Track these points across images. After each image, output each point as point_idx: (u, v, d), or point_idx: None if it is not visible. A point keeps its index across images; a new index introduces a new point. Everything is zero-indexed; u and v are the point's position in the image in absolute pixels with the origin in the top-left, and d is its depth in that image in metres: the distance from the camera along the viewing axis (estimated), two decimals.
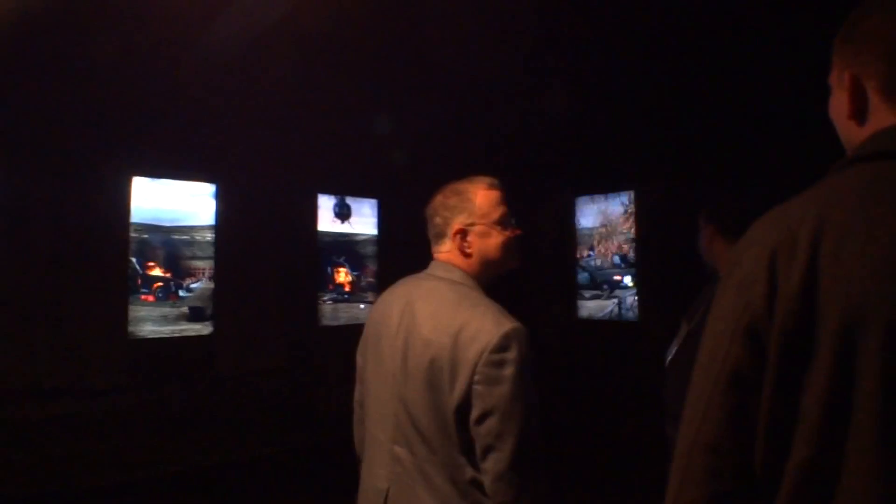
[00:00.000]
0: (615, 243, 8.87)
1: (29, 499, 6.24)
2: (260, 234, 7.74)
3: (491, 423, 1.81)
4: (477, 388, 1.82)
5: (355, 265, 8.86)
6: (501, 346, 1.82)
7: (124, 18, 5.82)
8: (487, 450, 1.82)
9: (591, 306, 9.03)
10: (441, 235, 2.17)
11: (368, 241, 9.00)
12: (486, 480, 1.83)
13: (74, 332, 6.72)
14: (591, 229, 9.15)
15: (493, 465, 1.82)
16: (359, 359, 2.32)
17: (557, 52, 7.22)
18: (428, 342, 1.94)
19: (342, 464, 6.84)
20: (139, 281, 7.16)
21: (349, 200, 8.76)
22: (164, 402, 7.17)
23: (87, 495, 6.41)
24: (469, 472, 1.87)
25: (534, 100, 8.16)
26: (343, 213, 8.66)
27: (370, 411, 2.16)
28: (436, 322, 1.95)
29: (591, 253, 9.11)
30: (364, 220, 8.93)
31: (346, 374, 7.83)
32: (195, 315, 7.48)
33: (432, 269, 2.17)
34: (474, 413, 1.83)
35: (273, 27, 6.05)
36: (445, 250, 2.16)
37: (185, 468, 7.04)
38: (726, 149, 7.48)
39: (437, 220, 2.18)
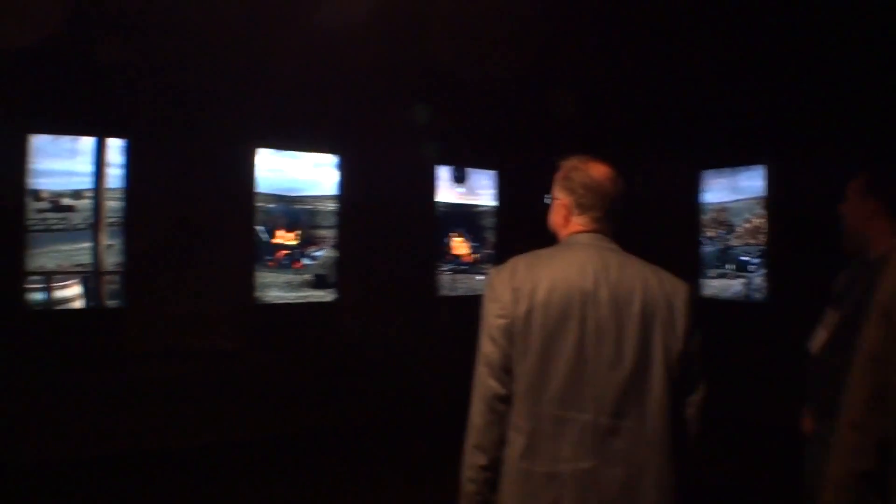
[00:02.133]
0: (743, 220, 8.55)
1: (159, 453, 6.64)
2: (381, 203, 7.89)
3: (697, 360, 2.19)
4: (691, 335, 2.18)
5: (474, 236, 8.93)
6: (691, 297, 2.23)
7: None
8: (696, 385, 2.20)
9: (717, 286, 8.74)
10: (610, 210, 2.33)
11: (487, 212, 9.04)
12: (692, 411, 2.19)
13: (204, 297, 7.07)
14: (717, 205, 8.84)
15: (699, 395, 2.21)
16: (505, 347, 2.15)
17: (681, 13, 6.96)
18: (645, 303, 2.15)
19: (450, 436, 6.97)
20: (265, 249, 7.45)
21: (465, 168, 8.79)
22: (287, 365, 7.45)
23: (212, 452, 6.76)
24: (672, 413, 2.12)
25: (654, 66, 7.89)
26: (459, 177, 8.70)
27: (556, 393, 2.10)
28: (647, 289, 2.17)
29: (718, 230, 8.83)
30: (483, 191, 8.97)
31: (463, 343, 7.92)
32: (318, 282, 7.75)
33: (598, 240, 2.30)
34: (691, 356, 2.17)
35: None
36: (603, 224, 2.33)
37: (304, 429, 7.32)
38: (870, 116, 6.94)
39: (617, 197, 2.34)
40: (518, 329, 2.13)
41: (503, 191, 8.95)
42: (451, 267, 8.76)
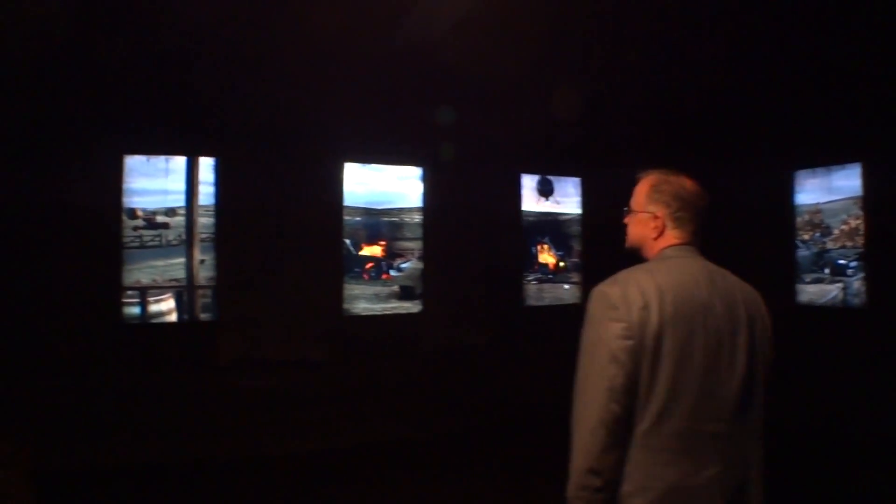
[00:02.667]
0: (839, 221, 8.20)
1: (249, 461, 6.73)
2: (466, 214, 7.88)
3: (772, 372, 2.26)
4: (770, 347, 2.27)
5: (560, 245, 8.83)
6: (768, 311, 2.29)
7: (329, 12, 6.06)
8: (770, 392, 2.24)
9: (812, 291, 8.39)
10: (701, 224, 2.35)
11: (573, 220, 8.92)
12: (764, 415, 2.22)
13: (294, 309, 7.17)
14: (811, 206, 8.49)
15: (772, 398, 2.26)
16: (631, 369, 2.09)
17: (767, 7, 6.74)
18: (747, 312, 2.23)
19: (535, 445, 6.85)
20: (353, 261, 7.51)
21: (551, 179, 8.71)
22: (374, 376, 7.48)
23: (302, 459, 6.81)
24: (760, 419, 2.20)
25: (742, 64, 7.65)
26: (545, 190, 8.63)
27: (688, 406, 2.10)
28: (744, 297, 2.25)
29: (812, 233, 8.49)
30: (568, 200, 8.86)
31: (548, 354, 7.83)
32: (405, 294, 7.77)
33: (694, 253, 2.33)
34: (771, 365, 2.26)
35: (473, 11, 6.09)
36: (697, 237, 2.35)
37: (391, 439, 7.31)
38: None
39: (706, 210, 2.36)
40: (648, 348, 2.08)
41: (588, 199, 8.83)
42: (537, 276, 8.68)
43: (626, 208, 2.44)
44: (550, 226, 8.77)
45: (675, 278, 2.19)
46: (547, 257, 8.74)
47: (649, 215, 2.35)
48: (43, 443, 5.99)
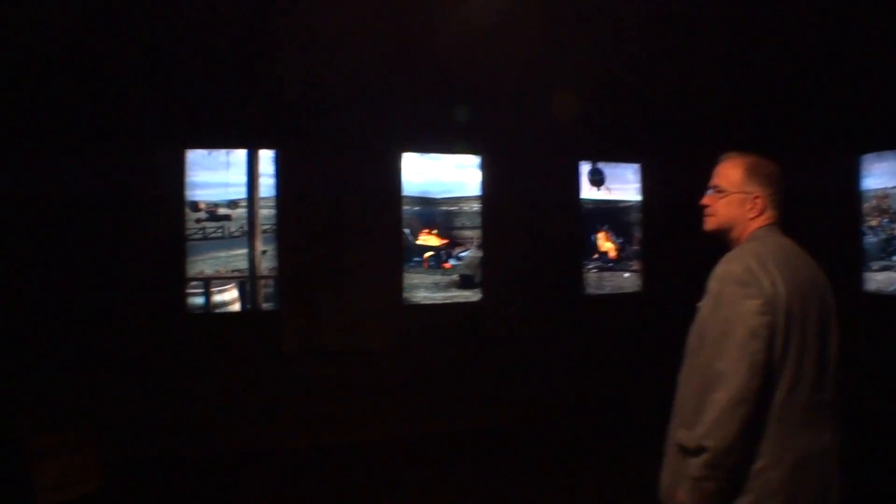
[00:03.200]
0: None
1: (310, 450, 6.81)
2: (524, 202, 7.82)
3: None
4: None
5: (619, 232, 8.72)
6: None
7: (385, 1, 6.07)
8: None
9: (881, 279, 8.10)
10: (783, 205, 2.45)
11: (632, 207, 8.80)
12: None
13: (354, 299, 7.21)
14: (880, 191, 8.20)
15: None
16: (770, 344, 2.14)
17: None
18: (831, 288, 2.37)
19: (597, 436, 6.78)
20: (412, 251, 7.52)
21: (607, 166, 8.59)
22: (434, 365, 7.49)
23: (364, 448, 6.86)
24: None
25: (804, 43, 7.42)
26: (596, 180, 8.53)
27: (810, 379, 2.21)
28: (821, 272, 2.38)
29: (881, 219, 8.21)
30: (627, 187, 8.74)
31: (610, 344, 7.74)
32: (464, 282, 7.76)
33: (781, 232, 2.42)
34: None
35: None
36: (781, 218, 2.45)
37: (451, 429, 7.32)
38: None
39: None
40: (780, 322, 2.16)
41: (648, 185, 8.69)
42: (597, 265, 8.58)
43: (712, 189, 2.45)
44: (609, 213, 8.66)
45: (782, 255, 2.28)
46: (606, 245, 8.64)
47: (747, 195, 2.39)
48: (110, 431, 6.13)
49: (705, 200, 2.49)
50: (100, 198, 6.68)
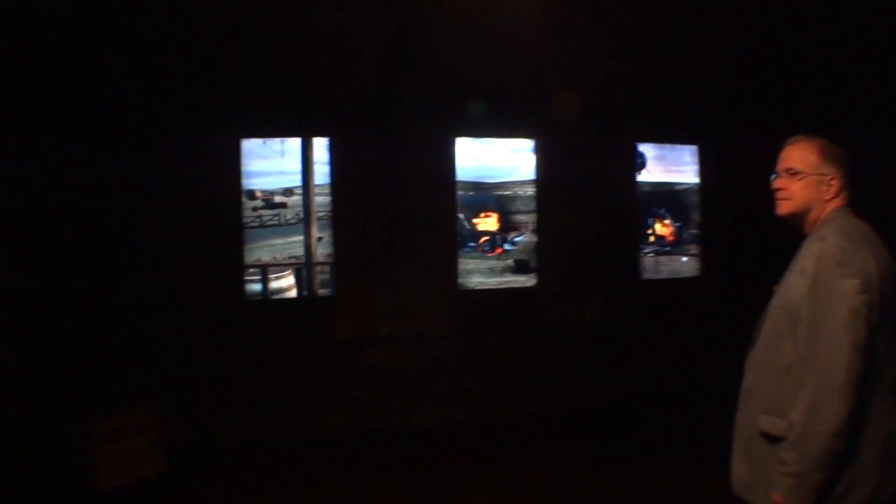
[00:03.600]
0: None
1: (365, 435, 6.88)
2: (579, 186, 7.72)
3: None
4: None
5: (677, 216, 8.55)
6: None
7: None
8: None
9: None
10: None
11: (690, 190, 8.62)
12: None
13: (409, 284, 7.21)
14: None
15: None
16: (869, 324, 2.11)
17: None
18: None
19: (649, 423, 6.67)
20: (467, 236, 7.50)
21: (663, 148, 8.43)
22: (489, 350, 7.45)
23: (421, 433, 6.88)
24: None
25: (868, 26, 7.18)
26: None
27: (893, 354, 2.18)
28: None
29: None
30: (684, 168, 8.56)
31: (666, 329, 7.61)
32: (520, 267, 7.70)
33: (853, 213, 2.37)
34: None
35: None
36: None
37: (502, 414, 7.29)
38: None
39: None
40: (875, 301, 2.12)
41: (706, 167, 8.50)
42: (654, 249, 8.44)
43: (784, 172, 2.40)
44: (667, 196, 8.50)
45: (865, 236, 2.25)
46: (663, 229, 8.49)
47: (823, 177, 2.35)
48: (171, 414, 6.27)
49: (778, 184, 2.42)
50: (162, 188, 6.85)
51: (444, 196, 7.38)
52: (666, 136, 8.34)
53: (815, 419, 2.02)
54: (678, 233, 8.54)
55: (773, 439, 2.17)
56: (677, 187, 8.54)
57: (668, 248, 8.52)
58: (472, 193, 7.63)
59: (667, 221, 8.48)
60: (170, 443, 6.07)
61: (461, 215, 7.55)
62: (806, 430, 2.04)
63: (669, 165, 8.47)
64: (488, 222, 7.66)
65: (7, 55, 5.86)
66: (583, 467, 5.89)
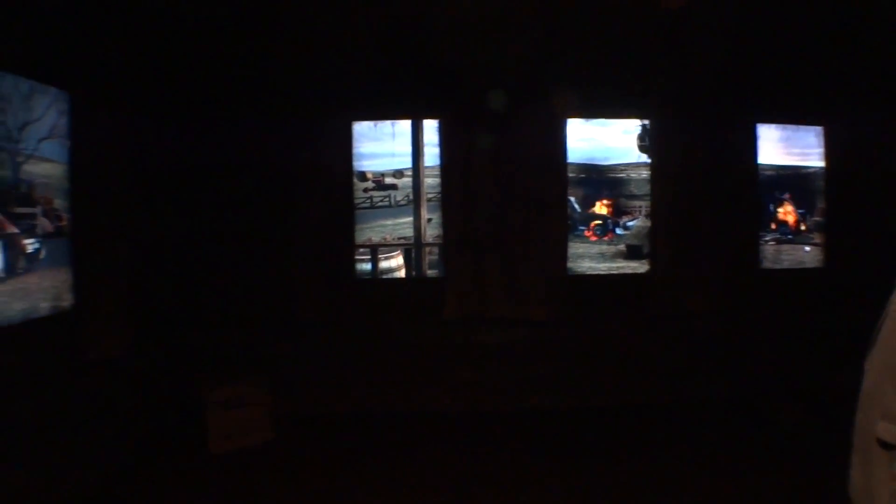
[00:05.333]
0: None
1: (469, 415, 6.87)
2: (696, 168, 7.40)
3: None
4: None
5: (801, 202, 8.17)
6: None
7: None
8: None
9: None
10: None
11: (815, 174, 8.20)
12: None
13: (518, 267, 7.13)
14: None
15: None
16: None
17: None
18: None
19: (765, 419, 6.37)
20: (577, 219, 7.36)
21: (787, 128, 8.03)
22: (597, 337, 7.31)
23: (527, 417, 6.83)
24: None
25: None
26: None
27: None
28: None
29: None
30: (809, 151, 8.16)
31: (786, 323, 7.27)
32: (632, 253, 7.53)
33: None
34: None
35: None
36: None
37: (608, 402, 7.13)
38: None
39: None
40: None
41: (832, 150, 8.05)
42: (775, 237, 8.09)
43: None
44: (790, 180, 8.13)
45: None
46: (786, 215, 8.12)
47: None
48: (281, 386, 6.61)
49: None
50: (278, 169, 7.03)
51: (554, 178, 7.23)
52: (789, 116, 7.92)
53: None
54: (801, 220, 8.15)
55: (889, 447, 1.99)
56: (801, 171, 8.13)
57: (790, 236, 8.17)
58: (583, 176, 7.47)
59: (790, 207, 8.09)
60: (279, 412, 6.40)
61: (572, 198, 7.41)
62: None
63: (793, 148, 8.05)
64: (600, 206, 7.50)
65: (146, 44, 6.10)
66: (689, 465, 5.68)
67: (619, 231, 7.22)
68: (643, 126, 7.85)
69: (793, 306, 7.53)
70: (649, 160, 7.48)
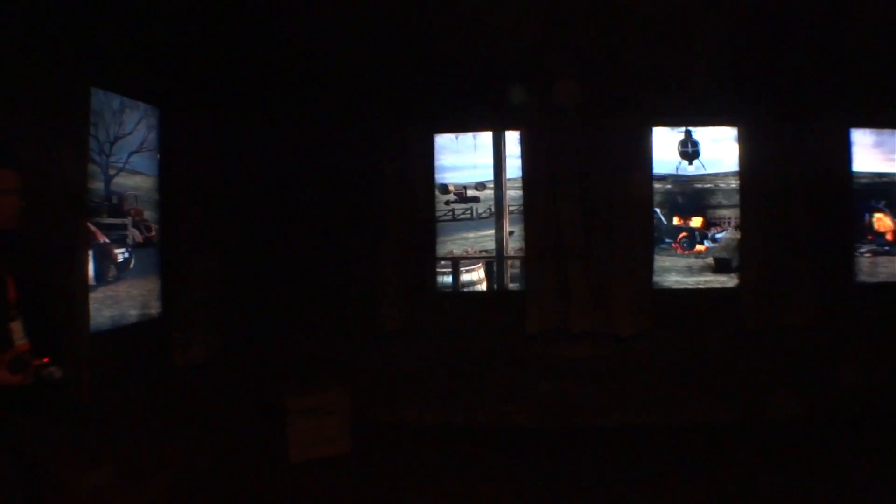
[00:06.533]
0: None
1: (551, 430, 6.77)
2: (788, 177, 7.12)
3: None
4: None
5: None
6: None
7: None
8: None
9: None
10: None
11: None
12: None
13: (603, 281, 7.00)
14: None
15: None
16: None
17: None
18: None
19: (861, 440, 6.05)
20: (664, 232, 7.20)
21: (883, 133, 7.65)
22: (686, 353, 7.10)
23: (595, 433, 6.70)
24: None
25: None
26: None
27: None
28: None
29: None
30: None
31: (884, 339, 6.90)
32: (720, 266, 7.31)
33: None
34: None
35: None
36: None
37: (694, 419, 6.90)
38: None
39: None
40: None
41: None
42: (871, 248, 7.73)
43: None
44: (887, 188, 7.75)
45: None
46: (883, 225, 7.75)
47: None
48: (362, 395, 6.67)
49: None
50: (363, 181, 7.14)
51: (639, 189, 7.08)
52: (885, 119, 7.55)
53: None
54: None
55: None
56: None
57: (887, 248, 7.78)
58: (669, 186, 7.31)
59: (886, 217, 7.72)
60: (359, 421, 6.45)
61: (657, 210, 7.24)
62: None
63: (889, 153, 7.67)
64: (688, 218, 7.33)
65: (234, 59, 6.27)
66: (779, 487, 5.43)
67: (707, 243, 7.01)
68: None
69: (890, 321, 7.17)
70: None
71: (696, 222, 7.25)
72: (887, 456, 5.88)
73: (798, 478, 5.51)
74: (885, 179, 7.49)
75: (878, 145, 7.58)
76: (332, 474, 5.79)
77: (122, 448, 4.67)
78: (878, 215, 7.63)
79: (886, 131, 7.53)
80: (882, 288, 7.58)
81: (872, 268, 7.65)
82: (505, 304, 7.22)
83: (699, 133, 7.61)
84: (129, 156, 5.12)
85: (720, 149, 7.19)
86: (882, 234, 7.63)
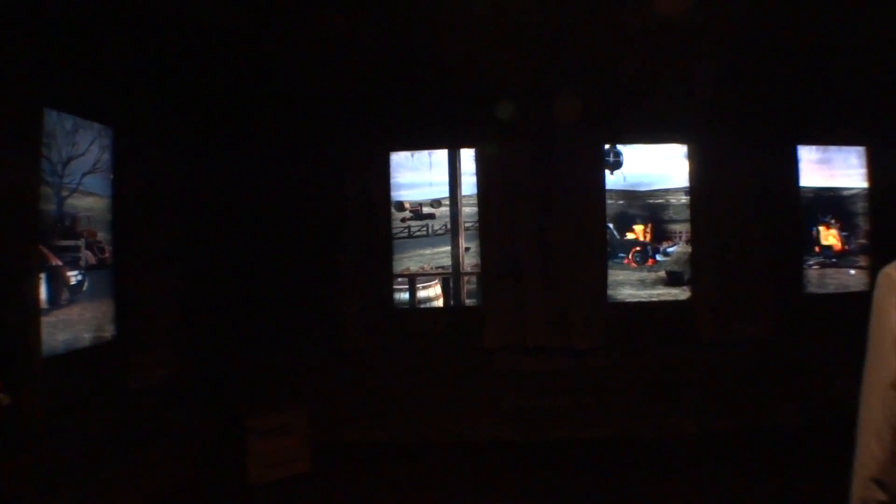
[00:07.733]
0: None
1: (507, 444, 6.81)
2: (737, 192, 7.31)
3: None
4: None
5: (844, 224, 8.02)
6: None
7: None
8: None
9: None
10: None
11: (858, 195, 8.04)
12: None
13: (558, 295, 7.08)
14: None
15: None
16: None
17: None
18: None
19: (816, 451, 6.20)
20: (616, 246, 7.30)
21: (827, 150, 7.86)
22: (640, 366, 7.20)
23: (556, 446, 6.76)
24: None
25: None
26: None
27: None
28: None
29: None
30: (851, 172, 7.99)
31: (833, 349, 7.09)
32: (672, 279, 7.43)
33: None
34: None
35: None
36: None
37: (655, 434, 7.00)
38: None
39: None
40: None
41: (875, 170, 7.88)
42: (819, 260, 7.93)
43: None
44: (833, 202, 7.98)
45: None
46: (829, 238, 7.97)
47: None
48: (320, 414, 6.65)
49: None
50: (319, 200, 7.19)
51: (592, 205, 7.20)
52: (830, 137, 7.79)
53: (857, 462, 1.82)
54: (846, 243, 8.00)
55: None
56: (844, 192, 7.99)
57: (834, 260, 8.00)
58: (622, 202, 7.43)
59: (833, 230, 7.95)
60: (319, 441, 6.46)
61: (610, 225, 7.35)
62: (853, 474, 1.84)
63: (834, 169, 7.90)
64: (639, 232, 7.44)
65: (188, 78, 6.24)
66: (736, 497, 5.55)
67: (659, 257, 7.15)
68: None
69: (839, 332, 7.33)
70: (689, 184, 7.40)
71: (638, 230, 7.36)
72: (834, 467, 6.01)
73: (760, 488, 5.64)
74: (830, 194, 7.73)
75: (823, 162, 7.79)
76: (293, 495, 5.76)
77: (80, 474, 4.59)
78: (825, 229, 7.84)
79: (832, 148, 7.77)
80: (830, 299, 7.76)
81: (820, 279, 7.86)
82: (463, 319, 7.25)
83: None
84: (82, 176, 5.03)
85: (670, 165, 7.34)
86: (829, 247, 7.84)
